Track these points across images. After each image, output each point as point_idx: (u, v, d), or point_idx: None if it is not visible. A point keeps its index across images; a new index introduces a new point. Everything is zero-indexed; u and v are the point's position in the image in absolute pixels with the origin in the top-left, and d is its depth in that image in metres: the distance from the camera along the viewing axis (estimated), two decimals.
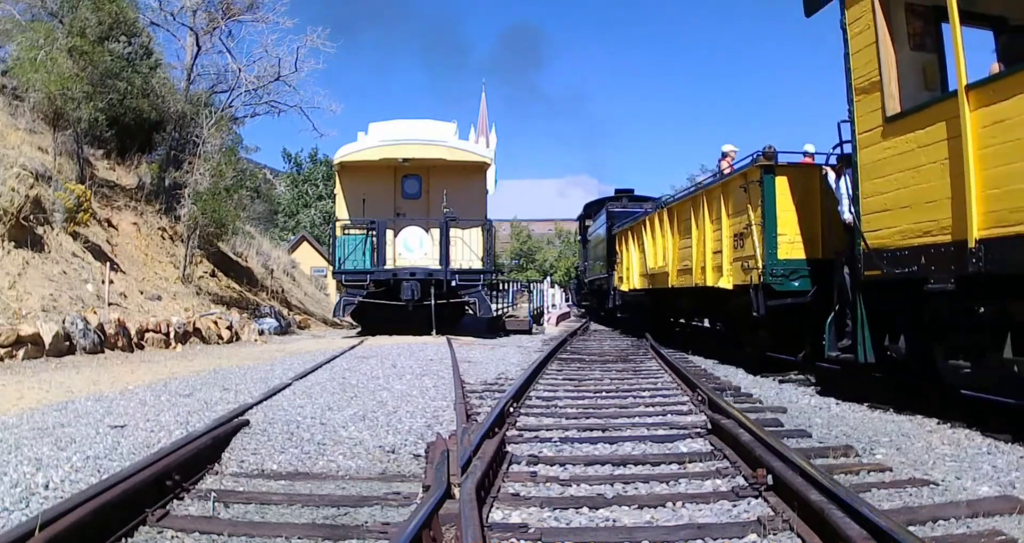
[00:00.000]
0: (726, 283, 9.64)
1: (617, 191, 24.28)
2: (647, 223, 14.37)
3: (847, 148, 6.61)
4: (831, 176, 7.59)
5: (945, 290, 5.19)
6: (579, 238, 28.18)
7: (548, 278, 38.01)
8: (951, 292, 5.15)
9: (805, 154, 9.56)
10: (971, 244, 4.88)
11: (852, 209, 6.49)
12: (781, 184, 8.46)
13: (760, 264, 8.55)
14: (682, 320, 14.01)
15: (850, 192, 6.63)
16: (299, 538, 3.03)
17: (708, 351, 11.22)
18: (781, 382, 7.87)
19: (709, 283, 10.33)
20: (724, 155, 11.51)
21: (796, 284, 8.28)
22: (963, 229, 4.96)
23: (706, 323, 13.00)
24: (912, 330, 5.81)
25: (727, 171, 10.55)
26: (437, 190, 15.63)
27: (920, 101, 5.66)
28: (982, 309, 4.98)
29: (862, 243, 6.18)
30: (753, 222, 8.75)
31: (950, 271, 5.14)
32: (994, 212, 4.74)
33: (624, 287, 16.75)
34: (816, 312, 7.57)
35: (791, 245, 8.43)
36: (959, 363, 5.25)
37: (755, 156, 8.75)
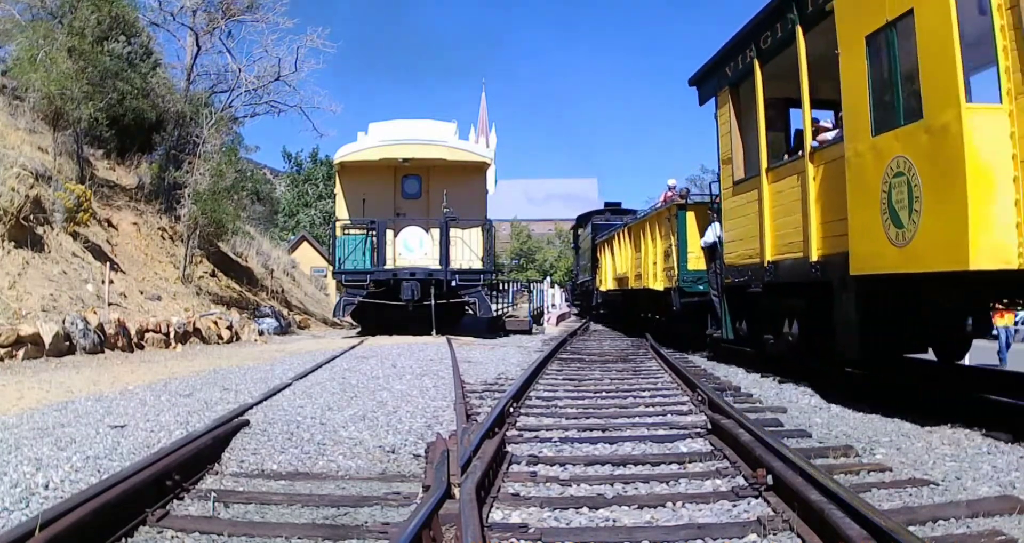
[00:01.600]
0: (659, 286, 13.51)
1: (606, 204, 28.11)
2: (617, 236, 18.16)
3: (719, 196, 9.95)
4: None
5: (758, 292, 8.39)
6: (573, 245, 32.70)
7: (548, 278, 38.02)
8: (760, 293, 8.34)
9: (669, 188, 14.62)
10: (766, 264, 8.05)
11: (718, 238, 9.99)
12: (691, 217, 12.03)
13: (676, 272, 12.16)
14: (642, 314, 16.42)
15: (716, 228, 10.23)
16: (299, 538, 3.03)
17: (658, 337, 13.61)
18: (781, 382, 7.86)
19: (651, 286, 14.13)
20: (669, 188, 14.96)
21: (700, 287, 11.35)
22: (764, 255, 8.10)
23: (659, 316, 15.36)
24: (747, 317, 9.13)
25: (663, 202, 14.47)
26: (437, 190, 15.63)
27: (748, 175, 8.70)
28: (775, 303, 8.09)
29: (722, 262, 9.66)
30: (673, 243, 12.42)
31: (760, 280, 8.27)
32: (776, 245, 7.88)
33: (603, 288, 20.86)
34: (708, 307, 10.57)
35: (697, 259, 11.63)
36: (768, 336, 8.35)
37: (680, 192, 13.26)
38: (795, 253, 7.38)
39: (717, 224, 10.13)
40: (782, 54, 7.69)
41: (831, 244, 6.63)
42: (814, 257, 6.93)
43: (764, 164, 8.00)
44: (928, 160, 5.01)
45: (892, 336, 6.28)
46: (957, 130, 4.71)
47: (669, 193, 14.55)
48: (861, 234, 5.83)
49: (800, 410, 6.16)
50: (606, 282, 20.17)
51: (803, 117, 7.26)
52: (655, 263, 13.85)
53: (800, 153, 7.32)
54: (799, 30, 7.19)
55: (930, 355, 7.61)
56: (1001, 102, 4.67)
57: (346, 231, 15.73)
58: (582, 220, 27.79)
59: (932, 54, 4.98)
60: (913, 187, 5.14)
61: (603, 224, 23.06)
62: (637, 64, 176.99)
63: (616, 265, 18.47)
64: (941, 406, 5.61)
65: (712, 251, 10.39)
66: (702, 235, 11.28)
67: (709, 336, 10.51)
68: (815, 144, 7.00)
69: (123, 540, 2.97)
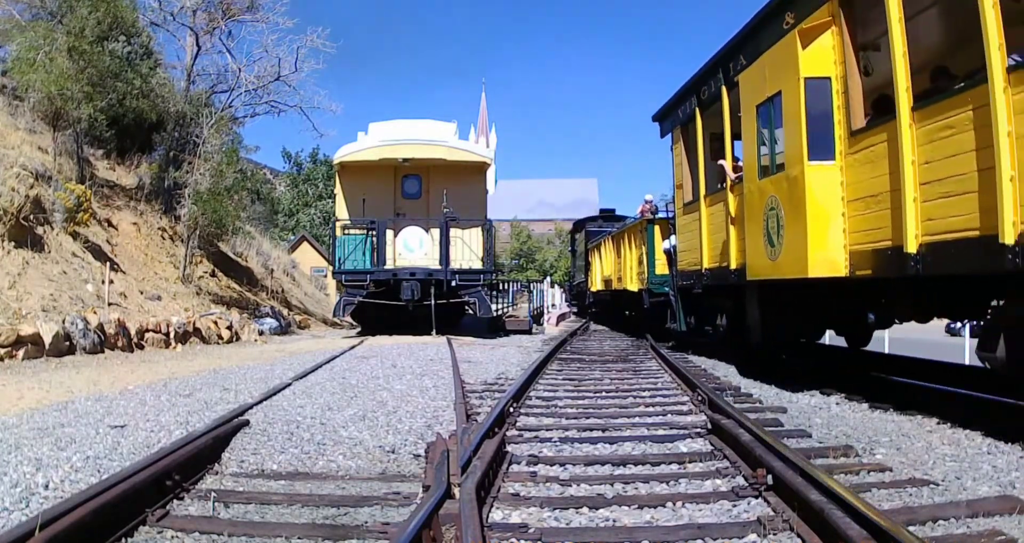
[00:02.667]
0: (634, 287, 15.99)
1: (601, 211, 30.36)
2: (604, 243, 20.90)
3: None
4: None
5: (699, 293, 10.50)
6: (570, 249, 35.27)
7: (548, 278, 38.04)
8: (701, 294, 10.46)
9: (645, 202, 17.01)
10: (704, 270, 10.04)
11: (673, 248, 12.13)
12: (657, 231, 14.39)
13: (647, 276, 14.69)
14: (626, 312, 18.82)
15: (672, 239, 12.42)
16: (299, 538, 3.03)
17: (628, 328, 17.14)
18: (781, 382, 7.87)
19: (628, 287, 16.64)
20: (646, 202, 17.02)
21: (665, 289, 13.32)
22: (702, 263, 10.08)
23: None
24: (695, 313, 11.45)
25: (641, 213, 16.82)
26: (437, 190, 15.63)
27: (693, 199, 10.56)
28: (711, 302, 10.46)
29: (676, 268, 11.88)
30: (644, 252, 14.94)
31: (700, 283, 10.29)
32: (711, 256, 9.79)
33: (593, 289, 23.52)
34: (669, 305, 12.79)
35: (662, 265, 13.84)
36: (708, 328, 11.24)
37: (650, 209, 16.20)
38: (722, 263, 9.20)
39: (673, 237, 12.35)
40: (715, 105, 9.51)
41: (741, 256, 8.41)
42: (733, 266, 8.71)
43: (703, 191, 10.09)
44: (787, 200, 6.94)
45: (787, 327, 8.08)
46: (802, 180, 6.58)
47: (645, 207, 16.80)
48: (753, 250, 7.86)
49: (800, 410, 6.16)
50: (596, 283, 22.83)
51: (725, 157, 9.03)
52: (631, 268, 16.43)
53: (722, 185, 9.21)
54: (723, 89, 9.02)
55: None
56: (835, 160, 6.43)
57: (346, 231, 15.73)
58: (578, 226, 30.19)
59: (790, 125, 6.87)
60: (780, 218, 7.10)
61: (595, 230, 25.05)
62: (637, 64, 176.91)
63: (603, 268, 21.08)
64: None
65: (671, 258, 12.55)
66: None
67: (669, 329, 13.03)
68: (734, 178, 8.73)
69: (123, 540, 2.97)
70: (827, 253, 6.40)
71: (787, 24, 7.05)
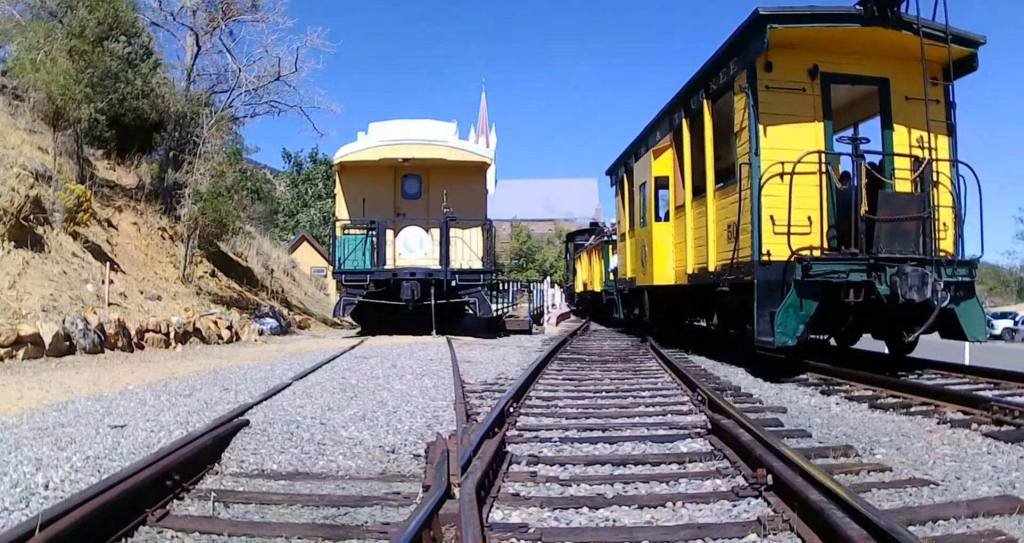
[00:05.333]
0: (598, 289, 24.23)
1: (591, 224, 36.48)
2: (584, 254, 29.29)
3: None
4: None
5: (626, 293, 15.53)
6: (565, 257, 43.82)
7: (548, 278, 38.04)
8: (627, 294, 15.36)
9: (610, 225, 22.36)
10: (627, 278, 14.92)
11: (617, 262, 16.91)
12: (610, 249, 20.76)
13: (603, 281, 22.19)
14: (595, 306, 25.58)
15: (620, 255, 16.61)
16: (299, 538, 3.03)
17: (597, 318, 24.32)
18: (781, 382, 7.89)
19: (594, 289, 25.32)
20: (610, 225, 22.28)
21: (620, 289, 17.15)
22: (626, 274, 15.11)
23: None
24: (629, 306, 15.62)
25: (611, 233, 21.90)
26: (437, 190, 15.63)
27: (624, 232, 15.32)
28: (631, 300, 15.21)
29: (618, 276, 16.64)
30: (601, 264, 22.91)
31: (627, 287, 14.97)
32: (629, 270, 14.66)
33: (578, 290, 31.18)
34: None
35: (612, 275, 18.97)
36: (635, 314, 15.16)
37: (607, 232, 23.26)
38: (631, 275, 14.39)
39: (615, 255, 17.63)
40: (628, 176, 14.74)
41: (636, 272, 13.80)
42: (633, 277, 14.17)
43: (626, 229, 15.01)
44: (648, 242, 12.31)
45: (666, 313, 13.22)
46: (651, 231, 12.17)
47: (610, 228, 22.04)
48: (639, 269, 13.42)
49: (800, 410, 6.16)
50: (579, 286, 30.84)
51: (623, 217, 15.37)
52: (598, 274, 24.27)
53: (625, 231, 15.11)
54: (632, 165, 14.22)
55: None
56: (668, 221, 11.74)
57: (346, 231, 15.71)
58: (570, 237, 38.07)
59: (649, 200, 12.41)
60: (645, 252, 12.54)
61: (580, 243, 31.70)
62: (637, 64, 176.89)
63: (582, 274, 29.31)
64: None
65: (615, 270, 17.46)
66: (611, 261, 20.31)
67: (615, 317, 18.18)
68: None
69: (123, 540, 2.97)
70: (664, 272, 11.77)
71: (646, 147, 13.19)
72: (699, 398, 6.24)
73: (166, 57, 21.96)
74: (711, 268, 9.53)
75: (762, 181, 8.08)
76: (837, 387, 7.36)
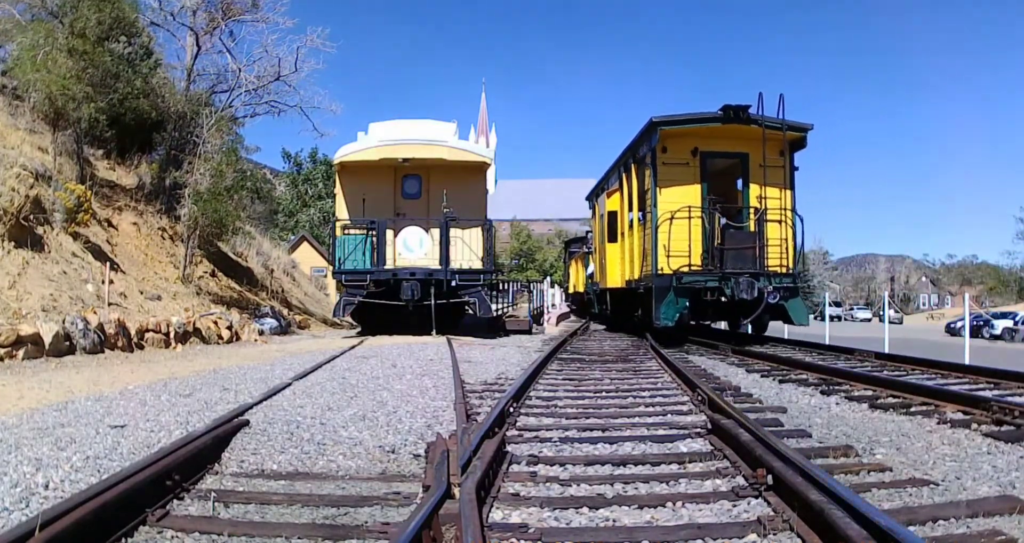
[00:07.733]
0: (582, 289, 28.01)
1: (587, 232, 41.79)
2: (575, 260, 33.22)
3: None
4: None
5: (597, 293, 20.72)
6: (563, 260, 47.45)
7: (548, 278, 38.05)
8: (599, 293, 20.32)
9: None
10: (595, 281, 20.70)
11: (594, 269, 21.26)
12: (590, 258, 23.18)
13: (586, 282, 25.57)
14: (581, 304, 29.90)
15: (593, 263, 21.81)
16: (299, 538, 3.03)
17: (584, 315, 27.31)
18: (781, 382, 7.89)
19: (579, 290, 30.13)
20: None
21: (593, 290, 21.58)
22: (598, 279, 19.83)
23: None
24: (599, 304, 21.02)
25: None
26: (437, 190, 15.62)
27: (596, 246, 20.18)
28: (600, 299, 20.47)
29: (593, 280, 21.85)
30: (584, 269, 27.04)
31: (597, 288, 20.46)
32: (600, 277, 19.09)
33: (571, 291, 34.96)
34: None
35: (591, 277, 22.83)
36: (600, 310, 21.25)
37: (588, 243, 27.05)
38: (599, 279, 18.55)
39: (592, 264, 21.37)
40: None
41: (600, 277, 18.40)
42: (599, 281, 18.12)
43: (596, 244, 19.16)
44: (604, 256, 17.42)
45: (617, 309, 17.51)
46: (605, 249, 17.16)
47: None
48: (601, 275, 18.30)
49: (800, 410, 6.16)
50: (571, 287, 34.95)
51: (595, 235, 19.78)
52: (581, 278, 28.29)
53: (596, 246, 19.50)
54: (604, 198, 17.26)
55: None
56: (617, 242, 16.40)
57: (346, 231, 15.71)
58: (567, 244, 41.90)
59: (604, 226, 17.09)
60: (604, 264, 17.42)
61: (573, 250, 35.37)
62: (637, 64, 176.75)
63: (573, 277, 33.90)
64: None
65: (592, 275, 21.39)
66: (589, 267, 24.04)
67: (592, 313, 22.89)
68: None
69: (123, 540, 2.97)
70: (615, 278, 16.22)
71: (606, 187, 17.59)
72: (699, 398, 6.24)
73: (166, 57, 22.02)
74: (636, 276, 14.24)
75: (659, 223, 12.58)
76: (837, 387, 7.37)
